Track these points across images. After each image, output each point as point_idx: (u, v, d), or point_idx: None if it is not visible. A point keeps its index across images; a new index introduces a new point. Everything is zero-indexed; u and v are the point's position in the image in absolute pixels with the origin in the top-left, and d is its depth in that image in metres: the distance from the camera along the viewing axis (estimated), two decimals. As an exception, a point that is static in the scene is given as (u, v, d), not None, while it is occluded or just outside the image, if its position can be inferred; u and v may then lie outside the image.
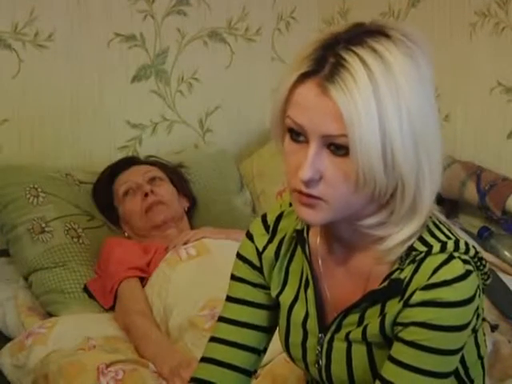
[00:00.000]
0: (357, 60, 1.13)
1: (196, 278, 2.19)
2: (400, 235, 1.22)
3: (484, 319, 1.34)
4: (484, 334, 1.36)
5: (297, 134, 1.18)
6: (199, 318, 2.06)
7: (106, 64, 2.76)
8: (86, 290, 2.36)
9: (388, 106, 1.13)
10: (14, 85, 2.64)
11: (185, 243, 2.32)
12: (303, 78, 1.16)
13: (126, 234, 2.52)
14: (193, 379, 1.41)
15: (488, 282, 1.29)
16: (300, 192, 1.18)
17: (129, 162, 2.61)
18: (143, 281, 2.31)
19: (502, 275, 2.25)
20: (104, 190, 2.55)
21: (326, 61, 1.15)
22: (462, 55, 2.66)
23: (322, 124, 1.15)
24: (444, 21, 2.69)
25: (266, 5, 2.98)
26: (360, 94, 1.12)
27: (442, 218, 1.29)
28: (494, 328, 2.02)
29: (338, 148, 1.15)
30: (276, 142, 1.25)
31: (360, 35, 1.16)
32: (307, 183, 1.17)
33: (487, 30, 2.57)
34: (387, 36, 1.16)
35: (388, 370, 1.23)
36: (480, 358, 1.35)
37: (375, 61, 1.13)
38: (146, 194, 2.45)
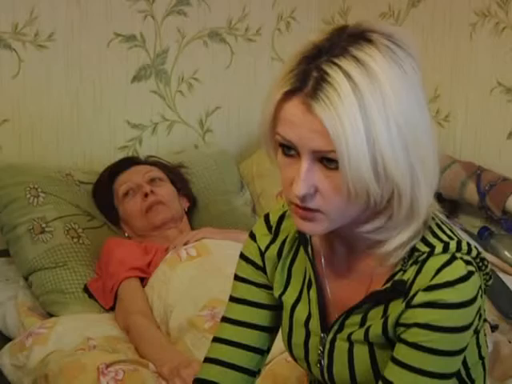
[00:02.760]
0: (340, 73, 1.11)
1: (196, 278, 2.19)
2: (398, 239, 1.21)
3: (485, 320, 1.34)
4: (485, 335, 1.36)
5: (288, 149, 1.18)
6: (199, 318, 2.06)
7: (106, 64, 2.76)
8: (86, 290, 2.36)
9: (375, 118, 1.12)
10: (14, 85, 2.64)
11: (185, 243, 2.32)
12: (288, 95, 1.15)
13: (127, 234, 2.52)
14: (197, 380, 1.41)
15: (490, 282, 1.29)
16: (296, 205, 1.18)
17: (129, 162, 2.61)
18: (143, 281, 2.31)
19: (502, 275, 2.26)
20: (104, 190, 2.55)
21: (309, 76, 1.13)
22: (462, 55, 2.66)
23: (310, 140, 1.14)
24: (444, 21, 2.69)
25: (265, 5, 2.98)
26: (345, 109, 1.11)
27: (443, 218, 1.29)
28: (494, 328, 2.03)
29: (329, 161, 1.15)
30: (269, 155, 1.25)
31: (342, 43, 1.14)
32: (302, 199, 1.16)
33: (487, 30, 2.57)
34: (370, 41, 1.14)
35: (390, 371, 1.23)
36: (481, 358, 1.35)
37: (359, 71, 1.12)
38: (146, 195, 2.45)
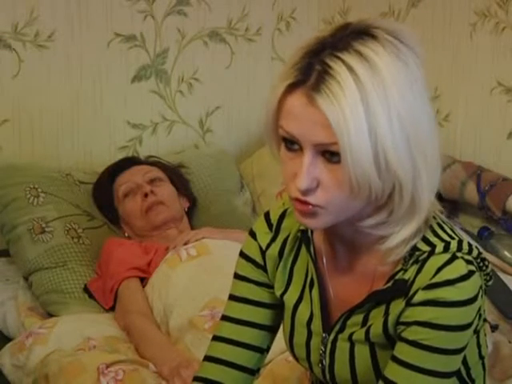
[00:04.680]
0: (343, 67, 1.12)
1: (196, 278, 2.19)
2: (400, 234, 1.21)
3: (485, 320, 1.34)
4: (485, 335, 1.36)
5: (291, 143, 1.18)
6: (199, 319, 2.06)
7: (106, 64, 2.76)
8: (86, 290, 2.36)
9: (377, 111, 1.12)
10: (14, 85, 2.64)
11: (185, 243, 2.32)
12: (291, 88, 1.15)
13: (127, 234, 2.52)
14: (196, 378, 1.41)
15: (490, 282, 1.29)
16: (298, 199, 1.18)
17: (129, 162, 2.61)
18: (143, 281, 2.31)
19: (502, 275, 2.25)
20: (104, 190, 2.55)
21: (312, 69, 1.14)
22: (462, 55, 2.66)
23: (312, 133, 1.14)
24: (444, 21, 2.69)
25: (266, 5, 2.98)
26: (347, 101, 1.11)
27: (444, 218, 1.29)
28: (494, 328, 2.03)
29: (332, 155, 1.15)
30: (271, 150, 1.25)
31: (345, 38, 1.15)
32: (304, 192, 1.17)
33: (487, 30, 2.57)
34: (373, 37, 1.15)
35: (391, 370, 1.23)
36: (481, 358, 1.35)
37: (362, 65, 1.12)
38: (146, 195, 2.45)
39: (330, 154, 1.15)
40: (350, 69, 1.12)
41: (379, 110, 1.12)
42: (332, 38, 1.15)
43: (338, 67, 1.12)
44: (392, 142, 1.13)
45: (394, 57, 1.14)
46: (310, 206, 1.18)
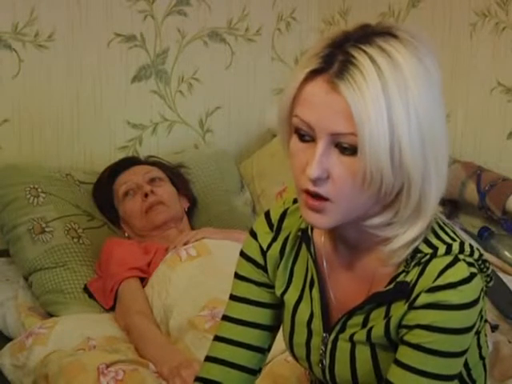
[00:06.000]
0: (366, 58, 1.13)
1: (196, 278, 2.19)
2: (405, 237, 1.21)
3: (485, 320, 1.34)
4: (485, 335, 1.36)
5: (303, 134, 1.18)
6: (199, 319, 2.06)
7: (106, 64, 2.76)
8: (86, 290, 2.36)
9: (397, 105, 1.13)
10: (14, 85, 2.64)
11: (185, 244, 2.32)
12: (312, 75, 1.16)
13: (127, 234, 2.52)
14: (198, 379, 1.41)
15: (490, 284, 1.29)
16: (307, 192, 1.18)
17: (129, 162, 2.61)
18: (143, 281, 2.31)
19: (502, 275, 2.25)
20: (104, 190, 2.55)
21: (335, 58, 1.15)
22: (462, 55, 2.66)
23: (330, 122, 1.14)
24: (444, 21, 2.69)
25: (266, 5, 2.99)
26: (369, 90, 1.12)
27: (445, 219, 1.29)
28: (494, 328, 2.03)
29: (345, 147, 1.15)
30: (282, 141, 1.25)
31: (369, 35, 1.16)
32: (315, 181, 1.16)
33: (487, 30, 2.57)
34: (396, 36, 1.16)
35: (394, 374, 1.23)
36: (482, 358, 1.36)
37: (384, 59, 1.13)
38: (146, 195, 2.45)
39: (343, 146, 1.15)
40: (373, 61, 1.13)
41: (399, 105, 1.13)
42: (355, 33, 1.17)
43: (361, 58, 1.13)
44: (409, 137, 1.14)
45: (415, 57, 1.15)
46: (319, 202, 1.17)
